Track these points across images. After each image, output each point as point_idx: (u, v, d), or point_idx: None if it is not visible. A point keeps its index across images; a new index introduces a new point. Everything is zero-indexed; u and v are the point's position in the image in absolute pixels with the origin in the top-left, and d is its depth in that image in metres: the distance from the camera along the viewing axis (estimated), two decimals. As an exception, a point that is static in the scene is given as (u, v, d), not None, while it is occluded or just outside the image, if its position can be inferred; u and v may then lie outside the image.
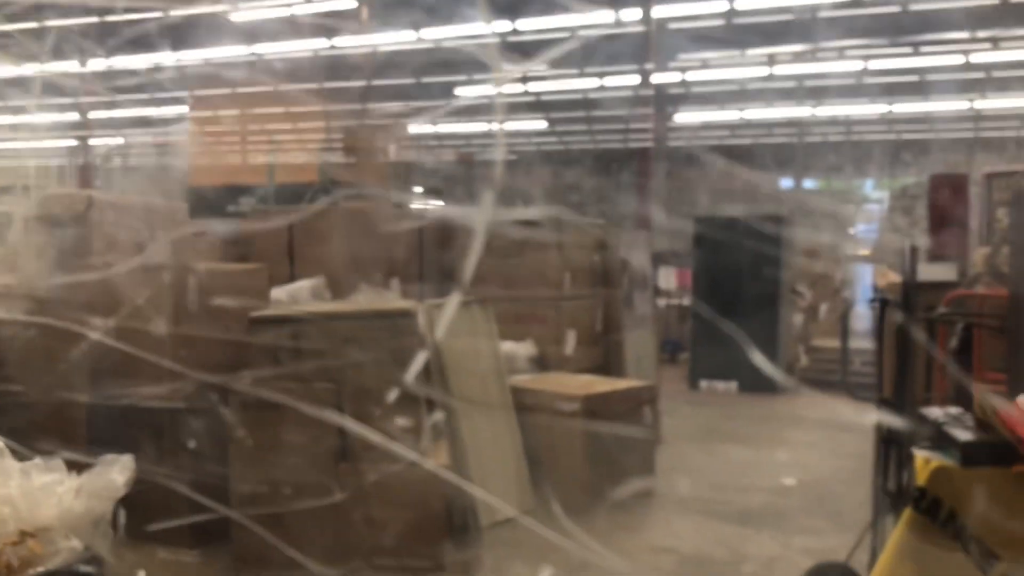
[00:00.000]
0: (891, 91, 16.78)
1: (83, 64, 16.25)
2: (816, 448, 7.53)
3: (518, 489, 5.42)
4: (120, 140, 21.33)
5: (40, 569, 2.72)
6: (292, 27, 13.20)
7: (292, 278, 6.13)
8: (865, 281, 12.55)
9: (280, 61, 14.58)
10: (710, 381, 10.60)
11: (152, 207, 5.56)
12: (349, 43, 14.31)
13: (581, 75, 16.36)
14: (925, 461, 2.43)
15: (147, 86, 17.00)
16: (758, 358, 9.78)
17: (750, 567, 4.60)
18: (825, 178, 22.52)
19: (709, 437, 8.00)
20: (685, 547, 4.90)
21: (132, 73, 16.12)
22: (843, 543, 4.07)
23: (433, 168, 22.13)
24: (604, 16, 12.73)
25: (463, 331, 5.48)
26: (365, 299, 5.54)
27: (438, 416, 4.80)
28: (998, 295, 3.78)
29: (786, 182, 22.57)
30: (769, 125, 20.94)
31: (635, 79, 14.88)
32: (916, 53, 14.27)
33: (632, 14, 12.98)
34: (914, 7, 12.32)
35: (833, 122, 20.34)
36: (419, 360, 4.38)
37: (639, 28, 13.55)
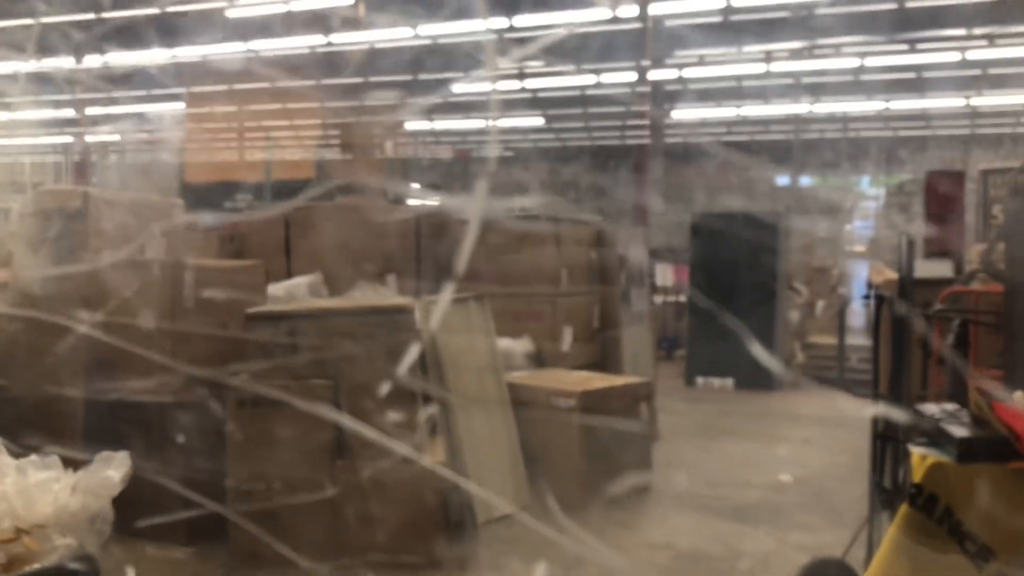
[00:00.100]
0: (888, 88, 16.79)
1: (79, 60, 16.23)
2: (812, 444, 7.55)
3: (514, 486, 5.42)
4: (116, 137, 21.29)
5: (36, 566, 2.72)
6: (288, 23, 13.19)
7: (289, 275, 6.12)
8: (862, 278, 12.57)
9: (276, 57, 14.55)
10: (706, 378, 10.60)
11: (148, 203, 5.56)
12: (346, 39, 14.30)
13: (578, 71, 16.35)
14: (921, 457, 2.43)
15: (143, 82, 16.97)
16: (756, 349, 9.78)
17: (746, 563, 4.60)
18: (822, 175, 22.53)
19: (705, 433, 8.01)
20: (681, 543, 4.90)
21: (128, 69, 16.10)
22: (839, 539, 4.08)
23: (430, 164, 22.13)
24: (601, 12, 12.74)
25: (460, 327, 5.48)
26: (362, 295, 5.54)
27: (434, 411, 4.81)
28: (994, 291, 3.78)
29: (783, 179, 22.59)
30: (766, 122, 20.95)
31: (632, 75, 14.87)
32: (913, 50, 14.28)
33: (629, 10, 12.99)
34: (911, 4, 12.33)
35: (830, 119, 20.36)
36: (413, 351, 4.38)
37: (636, 24, 13.55)
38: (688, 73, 16.33)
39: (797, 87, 17.10)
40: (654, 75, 15.06)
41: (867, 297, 4.20)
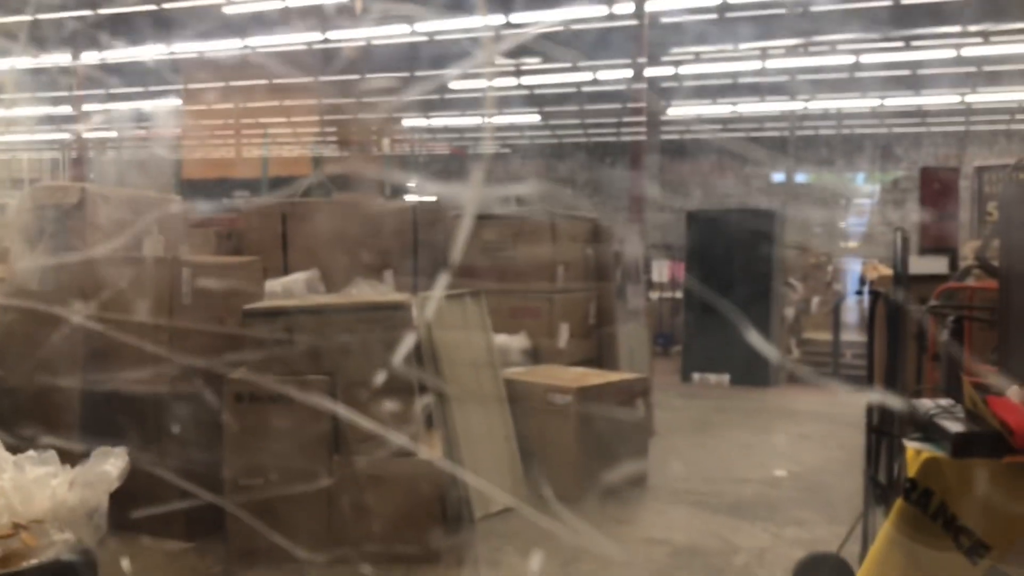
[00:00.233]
0: (883, 84, 16.81)
1: (76, 56, 16.20)
2: (807, 440, 7.57)
3: (511, 481, 5.43)
4: (113, 133, 21.27)
5: (34, 562, 2.73)
6: (286, 19, 13.17)
7: (286, 271, 6.12)
8: (856, 274, 12.60)
9: (274, 54, 14.54)
10: (702, 374, 10.62)
11: (145, 199, 5.55)
12: (343, 36, 14.29)
13: (574, 68, 16.35)
14: (916, 452, 2.44)
15: (140, 78, 16.94)
16: (753, 344, 9.81)
17: (742, 558, 4.62)
18: (817, 171, 22.56)
19: (701, 429, 8.03)
20: (678, 538, 4.92)
21: (125, 66, 16.07)
22: (835, 534, 4.10)
23: (427, 161, 22.12)
24: (597, 9, 12.73)
25: (457, 323, 5.49)
26: (359, 292, 5.54)
27: (430, 404, 4.82)
28: (989, 287, 3.80)
29: (778, 176, 22.60)
30: (762, 118, 20.96)
31: (628, 72, 14.87)
32: (908, 47, 14.30)
33: (625, 6, 12.98)
34: (906, 0, 12.34)
35: (825, 115, 20.38)
36: (408, 341, 4.39)
37: (632, 21, 13.54)
38: (684, 70, 16.34)
39: (793, 83, 17.11)
40: (650, 71, 15.05)
41: (860, 293, 4.22)
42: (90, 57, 16.18)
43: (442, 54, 14.34)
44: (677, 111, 19.26)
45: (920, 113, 19.36)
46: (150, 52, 15.27)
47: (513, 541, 4.76)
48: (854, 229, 21.72)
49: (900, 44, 14.24)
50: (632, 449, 5.92)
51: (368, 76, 15.38)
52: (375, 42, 14.75)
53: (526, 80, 17.41)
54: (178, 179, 13.44)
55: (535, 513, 5.04)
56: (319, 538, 4.26)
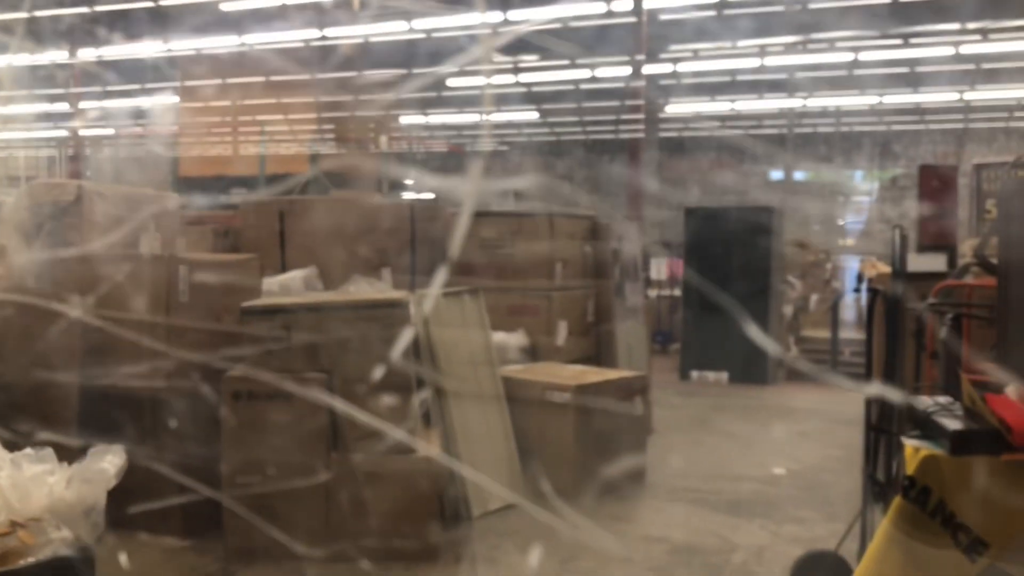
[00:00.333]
0: (882, 82, 16.81)
1: (73, 53, 16.17)
2: (806, 437, 7.57)
3: (509, 479, 5.43)
4: (110, 130, 21.24)
5: (31, 560, 2.72)
6: (283, 15, 13.15)
7: (284, 268, 6.11)
8: (854, 271, 12.60)
9: (271, 50, 14.51)
10: (701, 372, 10.62)
11: (142, 196, 5.55)
12: (341, 32, 14.27)
13: (572, 65, 16.34)
14: (914, 450, 2.44)
15: (137, 75, 16.92)
16: (751, 341, 9.80)
17: (740, 556, 4.62)
18: (815, 169, 22.58)
19: (700, 427, 8.03)
20: (676, 536, 4.92)
21: (122, 62, 16.04)
22: (833, 532, 4.10)
23: (424, 158, 22.10)
24: (596, 6, 12.73)
25: (455, 321, 5.48)
26: (357, 289, 5.54)
27: (428, 401, 4.82)
28: (987, 285, 3.80)
29: (776, 173, 22.61)
30: (760, 116, 20.97)
31: (626, 69, 14.87)
32: (907, 45, 14.30)
33: (624, 4, 12.98)
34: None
35: (823, 113, 20.38)
36: (406, 336, 4.39)
37: (630, 18, 13.54)
38: (683, 67, 16.34)
39: (791, 80, 17.11)
40: (649, 68, 15.05)
41: (857, 290, 4.22)
42: (87, 53, 16.15)
43: (440, 51, 14.31)
44: (676, 108, 19.27)
45: (919, 110, 19.38)
46: (147, 48, 15.25)
47: (511, 538, 4.76)
48: (853, 226, 21.74)
49: (899, 41, 14.25)
50: (630, 447, 5.91)
51: (366, 73, 15.35)
52: (373, 39, 14.73)
53: (524, 77, 17.41)
54: (175, 176, 13.40)
55: (533, 510, 5.04)
56: (317, 534, 4.26)
